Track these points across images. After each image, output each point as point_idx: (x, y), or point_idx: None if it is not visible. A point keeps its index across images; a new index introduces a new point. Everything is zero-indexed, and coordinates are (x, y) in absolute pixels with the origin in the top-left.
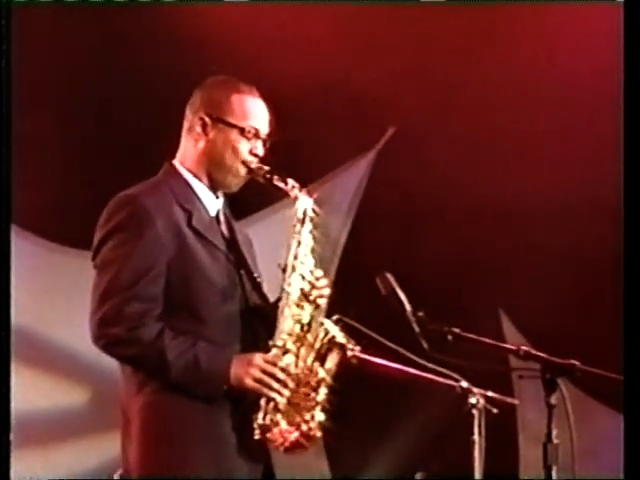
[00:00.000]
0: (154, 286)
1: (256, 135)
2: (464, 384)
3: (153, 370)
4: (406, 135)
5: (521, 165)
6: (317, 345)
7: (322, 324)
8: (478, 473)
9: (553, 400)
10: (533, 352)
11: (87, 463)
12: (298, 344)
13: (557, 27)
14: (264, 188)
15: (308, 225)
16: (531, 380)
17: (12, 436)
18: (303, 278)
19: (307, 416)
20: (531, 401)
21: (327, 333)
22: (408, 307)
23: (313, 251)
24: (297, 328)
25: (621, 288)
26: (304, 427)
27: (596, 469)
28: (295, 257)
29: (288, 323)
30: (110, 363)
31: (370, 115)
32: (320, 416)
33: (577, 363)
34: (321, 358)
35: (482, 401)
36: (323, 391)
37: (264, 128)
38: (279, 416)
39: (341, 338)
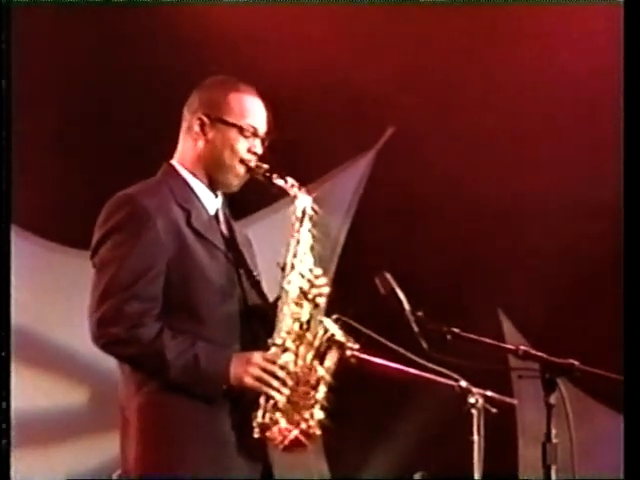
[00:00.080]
0: (153, 286)
1: (254, 134)
2: (463, 384)
3: (152, 370)
4: (406, 135)
5: (521, 165)
6: (316, 343)
7: (321, 322)
8: (477, 473)
9: (552, 400)
10: (532, 352)
11: (87, 463)
12: (297, 342)
13: (557, 27)
14: (263, 188)
15: (307, 223)
16: (530, 380)
17: (12, 436)
18: (302, 276)
19: (306, 414)
20: (530, 401)
21: (326, 331)
22: (407, 307)
23: (312, 249)
24: (296, 326)
25: (621, 288)
26: (303, 425)
27: (595, 469)
28: (294, 255)
29: (287, 321)
30: (109, 363)
31: (370, 115)
32: (319, 414)
33: (576, 363)
34: (320, 356)
35: (481, 401)
36: (322, 389)
37: (262, 127)
38: (278, 414)
39: (340, 336)
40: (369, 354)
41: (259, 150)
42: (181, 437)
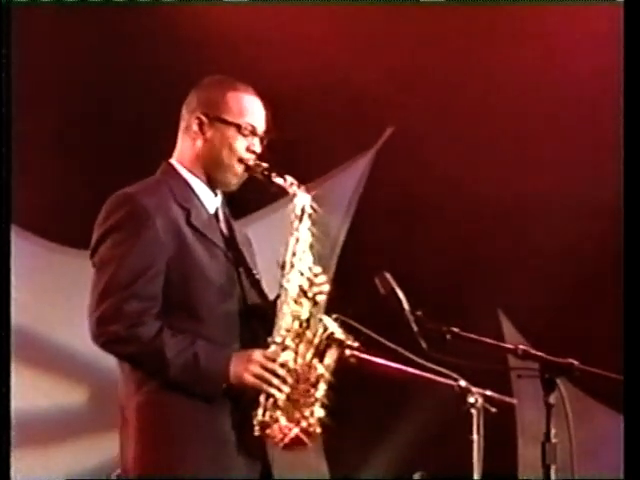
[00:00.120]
0: (153, 284)
1: (253, 132)
2: (463, 383)
3: (152, 368)
4: (405, 135)
5: (521, 165)
6: (316, 341)
7: (321, 320)
8: (477, 472)
9: (552, 399)
10: (532, 351)
11: (86, 463)
12: (297, 340)
13: (557, 27)
14: (263, 187)
15: (306, 222)
16: (530, 379)
17: (12, 436)
18: (302, 275)
19: (307, 412)
20: (530, 400)
21: (326, 329)
22: (407, 306)
23: (312, 248)
24: (296, 325)
25: (621, 288)
26: (304, 423)
27: (595, 469)
28: (293, 254)
29: (287, 320)
30: (109, 363)
31: (369, 114)
32: (319, 412)
33: (576, 362)
34: (320, 354)
35: (481, 400)
36: (322, 387)
37: (261, 125)
38: (278, 412)
39: (340, 334)
40: (369, 354)
41: (258, 149)
42: (181, 436)
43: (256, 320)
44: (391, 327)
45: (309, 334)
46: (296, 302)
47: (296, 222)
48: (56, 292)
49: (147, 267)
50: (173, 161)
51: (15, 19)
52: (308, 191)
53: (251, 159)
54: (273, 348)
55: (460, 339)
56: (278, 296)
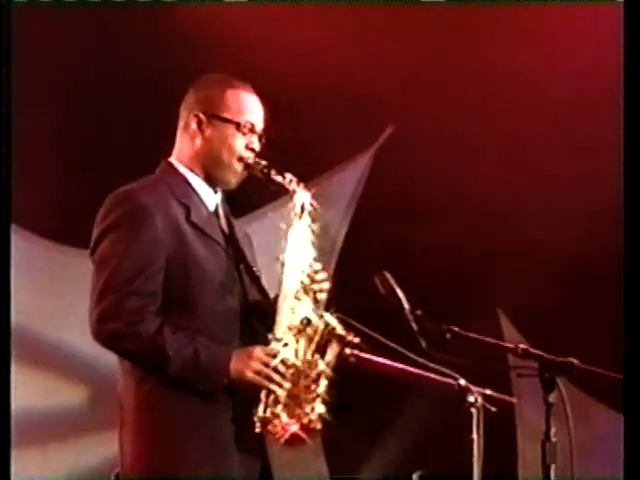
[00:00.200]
0: (153, 281)
1: (252, 130)
2: (462, 382)
3: (153, 365)
4: (405, 134)
5: (521, 165)
6: (317, 338)
7: (322, 317)
8: (476, 471)
9: (551, 399)
10: (531, 350)
11: (87, 462)
12: (298, 337)
13: (557, 27)
14: (263, 186)
15: (306, 219)
16: (529, 378)
17: (12, 436)
18: (302, 271)
19: (307, 408)
20: (530, 399)
21: (327, 325)
22: (406, 305)
23: (312, 245)
24: (296, 321)
25: (621, 288)
26: (304, 420)
27: (595, 468)
28: (294, 250)
29: (287, 316)
30: (109, 362)
31: (369, 114)
32: (320, 408)
33: (575, 362)
34: (321, 350)
35: (480, 399)
36: (323, 383)
37: (259, 123)
38: (279, 408)
39: (340, 330)
40: (368, 353)
41: (256, 147)
42: (180, 436)
43: (256, 317)
44: (391, 326)
45: (310, 331)
46: (297, 299)
47: (296, 219)
48: (56, 292)
49: (147, 264)
50: (172, 160)
51: (15, 19)
52: (308, 189)
53: (250, 157)
54: (274, 344)
55: (460, 338)
56: (278, 293)
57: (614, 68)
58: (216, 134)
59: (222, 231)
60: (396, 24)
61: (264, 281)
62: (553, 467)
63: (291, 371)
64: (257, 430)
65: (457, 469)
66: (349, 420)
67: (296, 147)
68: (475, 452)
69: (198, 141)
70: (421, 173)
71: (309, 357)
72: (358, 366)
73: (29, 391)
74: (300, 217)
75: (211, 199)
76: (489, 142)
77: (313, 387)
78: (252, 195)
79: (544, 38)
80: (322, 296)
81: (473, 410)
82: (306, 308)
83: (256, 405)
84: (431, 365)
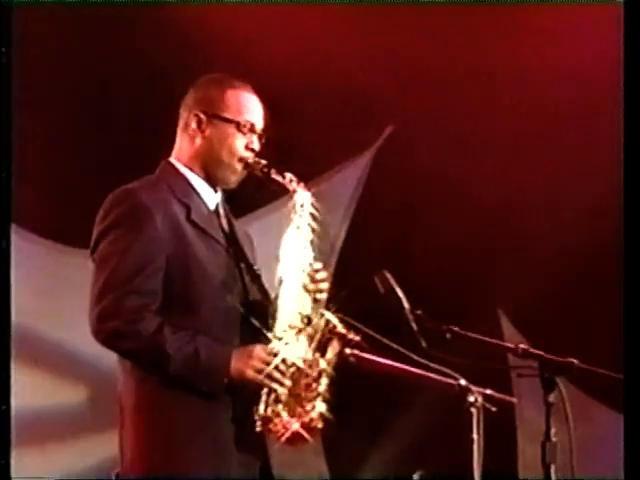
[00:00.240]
0: (153, 280)
1: (251, 130)
2: (463, 382)
3: (153, 364)
4: (405, 134)
5: (521, 165)
6: (317, 336)
7: (322, 315)
8: (477, 471)
9: (551, 398)
10: (532, 350)
11: (87, 462)
12: (298, 336)
13: (557, 27)
14: (263, 186)
15: (306, 218)
16: (530, 378)
17: (12, 436)
18: (302, 270)
19: (308, 407)
20: (530, 399)
21: (327, 323)
22: (407, 305)
23: (312, 244)
24: (297, 320)
25: (621, 288)
26: (305, 418)
27: (595, 468)
28: (294, 249)
29: (288, 315)
30: (109, 362)
31: (369, 114)
32: (321, 406)
33: (576, 361)
34: (322, 349)
35: (481, 399)
36: (324, 382)
37: (259, 122)
38: (280, 407)
39: (341, 328)
40: (368, 352)
41: (256, 146)
42: (180, 436)
43: (257, 316)
44: (391, 326)
45: (310, 329)
46: (297, 298)
47: (296, 218)
48: (56, 292)
49: (147, 263)
50: (172, 159)
51: (15, 19)
52: (308, 189)
53: (250, 157)
54: (274, 343)
55: (460, 338)
56: (279, 292)
57: (614, 68)
58: (216, 134)
59: (223, 230)
60: (396, 24)
61: (264, 280)
62: (553, 467)
63: (292, 370)
64: (258, 429)
65: (457, 469)
66: (349, 420)
67: (296, 147)
68: (475, 452)
69: (198, 141)
70: (421, 173)
71: (310, 356)
72: (358, 366)
73: (29, 391)
74: (300, 216)
75: (211, 198)
76: (489, 142)
77: (314, 386)
78: (252, 195)
79: (544, 38)
80: (322, 296)
81: (473, 410)
82: (306, 307)
83: (257, 404)
84: (431, 365)
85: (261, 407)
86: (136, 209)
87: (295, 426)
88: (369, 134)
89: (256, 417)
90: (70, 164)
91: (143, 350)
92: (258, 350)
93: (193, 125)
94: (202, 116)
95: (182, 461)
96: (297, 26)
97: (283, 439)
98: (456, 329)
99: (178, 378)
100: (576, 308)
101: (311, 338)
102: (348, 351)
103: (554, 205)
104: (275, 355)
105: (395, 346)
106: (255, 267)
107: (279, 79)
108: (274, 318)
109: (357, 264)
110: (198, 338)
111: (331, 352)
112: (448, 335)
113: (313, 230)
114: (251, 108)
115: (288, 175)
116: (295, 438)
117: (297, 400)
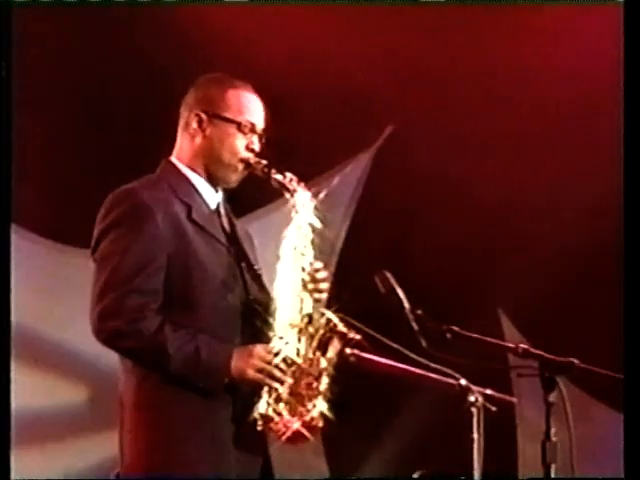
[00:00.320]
0: (154, 279)
1: (252, 130)
2: (463, 382)
3: (154, 363)
4: (405, 134)
5: (521, 165)
6: (318, 335)
7: (323, 314)
8: (477, 471)
9: (552, 398)
10: (532, 350)
11: (87, 461)
12: (299, 335)
13: (557, 27)
14: (263, 185)
15: (307, 217)
16: (530, 378)
17: (12, 436)
18: (303, 270)
19: (309, 405)
20: (530, 399)
21: (328, 322)
22: (407, 305)
23: (312, 243)
24: (297, 319)
25: (621, 288)
26: (306, 417)
27: (595, 468)
28: (294, 248)
29: (288, 314)
30: (109, 362)
31: (369, 114)
32: (322, 405)
33: (576, 361)
34: (322, 348)
35: (481, 399)
36: (325, 381)
37: (260, 123)
38: (281, 406)
39: (342, 327)
40: (369, 352)
41: (257, 146)
42: (181, 434)
43: (258, 315)
44: (391, 326)
45: (311, 329)
46: (298, 297)
47: (297, 217)
48: (56, 291)
49: (148, 262)
50: (173, 159)
51: (15, 19)
52: (308, 189)
53: (251, 157)
54: (275, 342)
55: (460, 338)
56: (279, 291)
57: (614, 68)
58: (217, 133)
59: (223, 229)
60: (396, 24)
61: (265, 279)
62: (553, 467)
63: (292, 369)
64: (259, 428)
65: (457, 468)
66: (349, 419)
67: (296, 147)
68: (475, 452)
69: (198, 140)
70: (421, 173)
71: (310, 355)
72: (358, 366)
73: (29, 391)
74: (301, 215)
75: (212, 198)
76: (489, 142)
77: (315, 384)
78: (252, 195)
79: (544, 38)
80: (322, 295)
81: (473, 410)
82: (307, 306)
83: (257, 403)
84: (432, 365)
85: (262, 406)
86: (137, 208)
87: (296, 425)
88: (369, 134)
89: (257, 416)
90: (70, 164)
91: (144, 349)
92: (259, 349)
93: (194, 124)
94: (203, 115)
95: (182, 459)
96: (297, 26)
97: (284, 438)
98: (456, 329)
99: (179, 377)
100: (576, 308)
101: (312, 337)
102: (348, 351)
103: (554, 205)
104: (276, 354)
105: (395, 346)
106: (256, 266)
107: (279, 79)
108: (275, 317)
109: (357, 264)
110: (199, 337)
111: (332, 351)
112: (448, 335)
113: (313, 230)
114: (252, 108)
115: (288, 175)
116: (296, 437)
117: (298, 399)
